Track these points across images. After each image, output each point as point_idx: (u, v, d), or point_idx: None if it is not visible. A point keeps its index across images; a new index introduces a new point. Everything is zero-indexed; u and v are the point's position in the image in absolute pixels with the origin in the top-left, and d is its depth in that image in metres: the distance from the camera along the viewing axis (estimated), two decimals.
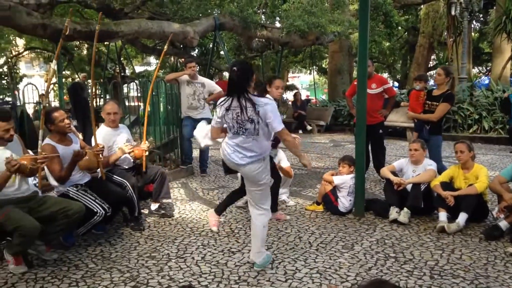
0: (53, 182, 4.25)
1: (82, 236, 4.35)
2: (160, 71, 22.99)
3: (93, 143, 4.62)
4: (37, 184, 4.09)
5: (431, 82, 14.52)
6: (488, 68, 23.04)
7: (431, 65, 22.83)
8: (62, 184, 4.20)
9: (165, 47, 5.58)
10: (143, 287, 3.37)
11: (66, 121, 4.21)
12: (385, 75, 26.93)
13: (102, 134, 4.79)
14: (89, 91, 8.25)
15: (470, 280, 3.39)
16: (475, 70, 23.87)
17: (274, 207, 4.69)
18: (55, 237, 3.93)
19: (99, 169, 4.55)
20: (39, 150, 3.83)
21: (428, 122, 5.72)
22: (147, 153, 4.92)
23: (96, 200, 4.16)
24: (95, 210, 4.09)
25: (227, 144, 3.56)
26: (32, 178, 4.02)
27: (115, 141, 4.87)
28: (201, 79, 7.17)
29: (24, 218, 3.49)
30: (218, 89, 7.30)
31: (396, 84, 25.69)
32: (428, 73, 20.89)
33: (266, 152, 3.55)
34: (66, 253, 4.03)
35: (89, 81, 20.23)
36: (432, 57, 22.92)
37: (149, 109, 5.32)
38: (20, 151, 3.84)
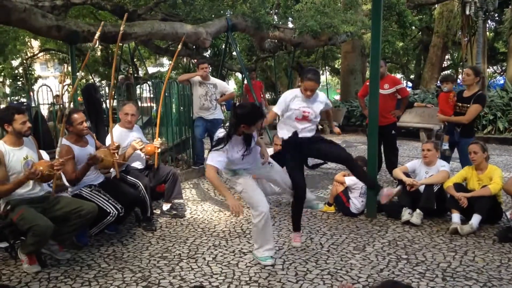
0: (66, 183, 4.29)
1: (94, 236, 4.39)
2: (172, 72, 23.16)
3: (107, 143, 4.68)
4: (51, 185, 4.15)
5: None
6: (503, 68, 22.74)
7: (445, 65, 22.61)
8: (73, 186, 4.24)
9: (179, 47, 5.60)
10: (155, 287, 3.39)
11: (84, 124, 4.27)
12: (399, 75, 26.73)
13: (116, 134, 4.83)
14: (103, 92, 8.33)
15: (483, 283, 3.35)
16: (490, 70, 23.58)
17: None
18: (68, 237, 3.97)
19: (112, 169, 4.62)
20: (57, 150, 3.89)
21: (459, 124, 5.54)
22: (159, 150, 4.94)
23: (109, 201, 4.20)
24: (108, 211, 4.12)
25: None
26: None
27: (129, 141, 4.91)
28: (213, 80, 7.19)
29: (38, 218, 3.54)
30: (229, 90, 7.33)
31: (410, 84, 25.48)
32: (442, 73, 20.71)
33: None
34: (79, 253, 4.08)
35: (103, 82, 20.39)
36: (446, 57, 22.69)
37: (161, 110, 5.36)
38: (35, 151, 3.90)
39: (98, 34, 4.32)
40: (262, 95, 12.90)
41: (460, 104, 5.51)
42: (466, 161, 5.27)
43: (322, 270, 3.63)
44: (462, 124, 5.47)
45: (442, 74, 15.15)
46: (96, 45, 4.78)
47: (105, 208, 4.12)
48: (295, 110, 4.13)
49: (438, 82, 18.16)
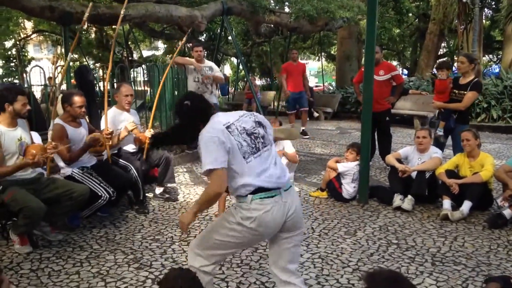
0: (60, 163, 4.29)
1: (87, 218, 4.39)
2: (167, 55, 23.00)
3: (102, 126, 4.67)
4: (44, 167, 4.13)
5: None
6: (499, 56, 22.72)
7: (441, 53, 22.57)
8: (69, 165, 4.24)
9: (184, 39, 5.56)
10: (147, 269, 3.40)
11: (83, 109, 4.25)
12: (395, 62, 26.65)
13: (111, 116, 4.81)
14: (96, 74, 8.27)
15: (471, 268, 3.39)
16: (485, 58, 23.56)
17: None
18: (60, 219, 3.98)
19: (104, 152, 4.61)
20: (49, 133, 3.88)
21: (455, 111, 5.53)
22: (149, 141, 4.90)
23: (101, 184, 4.20)
24: (100, 194, 4.12)
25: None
26: None
27: (123, 124, 4.87)
28: (208, 63, 7.14)
29: (30, 199, 3.53)
30: (221, 75, 7.28)
31: (405, 71, 25.45)
32: (437, 61, 20.67)
33: None
34: (71, 234, 4.09)
35: (97, 64, 20.22)
36: (443, 44, 22.63)
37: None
38: (27, 132, 3.88)
39: (86, 15, 4.26)
40: (304, 81, 9.93)
41: (456, 91, 5.49)
42: (459, 148, 5.29)
43: (313, 254, 3.66)
44: (459, 111, 5.49)
45: (437, 61, 15.08)
46: (85, 26, 4.64)
47: (96, 191, 4.12)
48: None
49: (434, 69, 18.16)
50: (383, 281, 1.58)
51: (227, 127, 2.34)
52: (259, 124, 2.47)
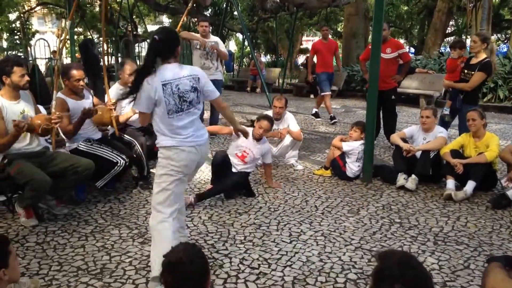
0: (63, 134, 4.30)
1: (91, 192, 4.42)
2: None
3: (106, 99, 4.66)
4: (49, 141, 4.15)
5: (447, 49, 14.14)
6: (507, 35, 22.41)
7: (449, 31, 22.27)
8: (69, 139, 4.25)
9: (190, 4, 5.49)
10: (151, 244, 3.43)
11: (81, 82, 4.22)
12: (402, 40, 26.32)
13: (114, 92, 4.79)
14: (100, 48, 8.21)
15: (473, 247, 3.41)
16: (494, 37, 23.23)
17: None
18: (66, 193, 4.01)
19: (110, 126, 4.60)
20: (52, 104, 3.87)
21: (462, 91, 5.45)
22: None
23: (114, 152, 4.22)
24: (115, 161, 4.14)
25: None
26: None
27: (127, 101, 4.85)
28: (214, 38, 7.07)
29: (36, 172, 3.55)
30: (225, 51, 7.23)
31: (412, 50, 25.18)
32: (445, 40, 20.42)
33: None
34: (76, 208, 4.12)
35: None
36: (451, 23, 22.32)
37: None
38: (32, 105, 3.87)
39: None
40: (337, 60, 9.72)
41: (465, 71, 5.40)
42: (465, 129, 5.26)
43: (316, 232, 3.68)
44: (465, 91, 5.42)
45: (452, 40, 14.84)
46: None
47: (111, 158, 4.14)
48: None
49: (441, 48, 17.95)
50: (396, 262, 1.59)
51: (164, 85, 2.77)
52: (195, 89, 2.89)
